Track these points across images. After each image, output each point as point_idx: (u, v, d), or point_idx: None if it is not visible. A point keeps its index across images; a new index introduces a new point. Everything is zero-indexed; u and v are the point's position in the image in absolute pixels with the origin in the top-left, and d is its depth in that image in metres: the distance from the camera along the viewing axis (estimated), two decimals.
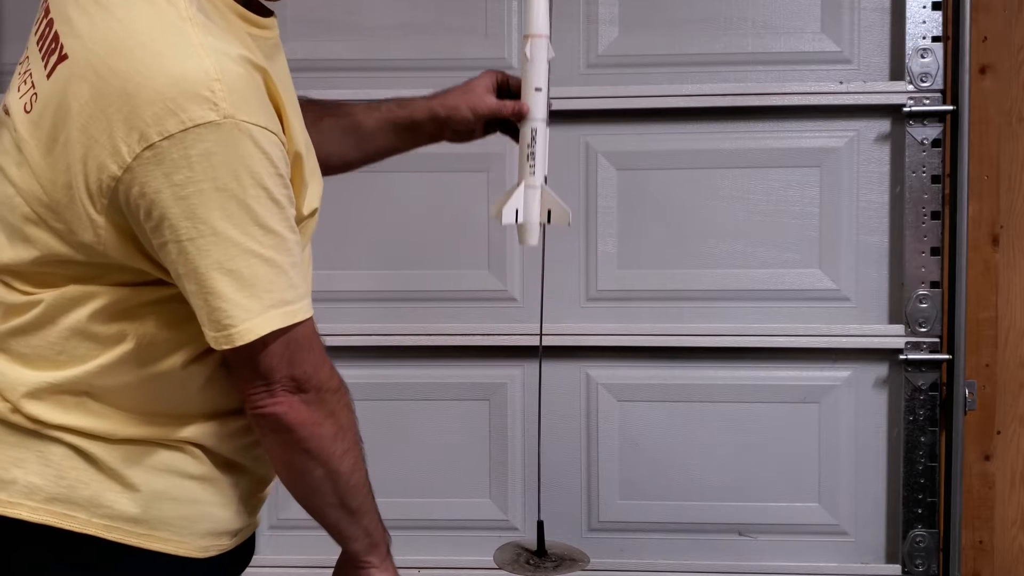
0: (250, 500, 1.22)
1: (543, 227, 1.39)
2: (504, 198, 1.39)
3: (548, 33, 1.36)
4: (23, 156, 1.07)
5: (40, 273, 1.09)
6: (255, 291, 1.02)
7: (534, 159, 1.37)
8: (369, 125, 1.46)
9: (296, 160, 1.11)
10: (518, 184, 1.38)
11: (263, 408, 1.09)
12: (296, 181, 1.11)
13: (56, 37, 1.07)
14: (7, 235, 1.10)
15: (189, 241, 1.00)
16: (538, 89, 1.36)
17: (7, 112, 1.13)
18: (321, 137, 1.44)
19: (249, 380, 1.08)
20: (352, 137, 1.46)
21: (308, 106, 1.47)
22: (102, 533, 1.10)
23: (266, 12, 1.17)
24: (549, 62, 1.37)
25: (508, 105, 1.39)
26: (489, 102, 1.41)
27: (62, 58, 1.05)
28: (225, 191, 0.99)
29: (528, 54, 1.36)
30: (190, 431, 1.14)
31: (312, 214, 1.17)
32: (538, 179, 1.37)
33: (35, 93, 1.08)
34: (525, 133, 1.37)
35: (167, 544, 1.13)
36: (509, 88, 1.42)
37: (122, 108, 0.99)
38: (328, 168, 1.48)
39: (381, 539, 1.23)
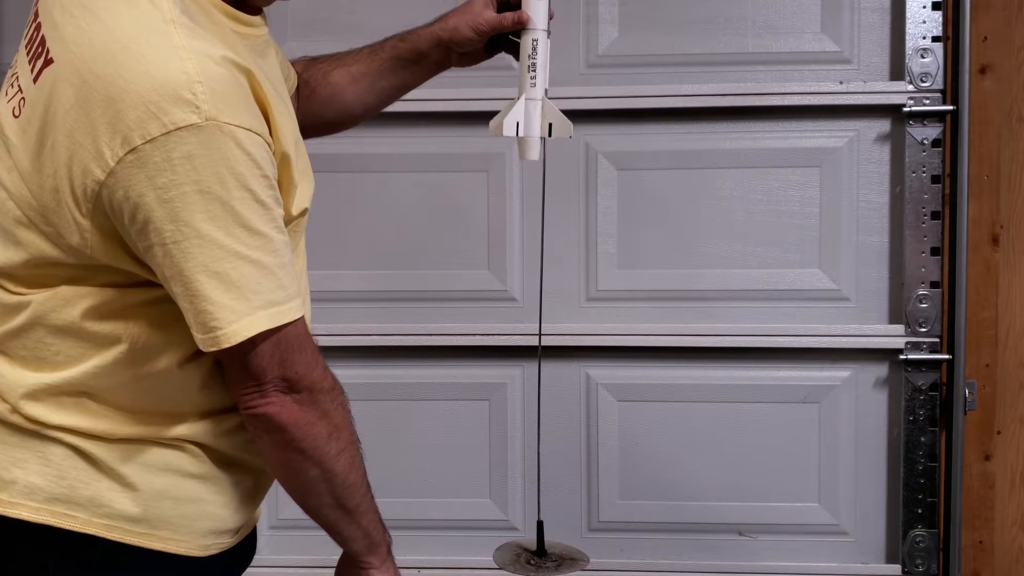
0: (251, 497, 1.22)
1: (543, 141, 1.36)
2: (504, 112, 1.36)
3: None
4: (12, 161, 1.08)
5: (32, 275, 1.09)
6: (242, 292, 1.02)
7: (535, 70, 1.34)
8: (376, 66, 1.47)
9: (284, 161, 1.11)
10: (519, 97, 1.35)
11: (255, 409, 1.09)
12: (284, 182, 1.11)
13: (43, 41, 1.07)
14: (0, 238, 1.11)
15: (174, 244, 1.00)
16: None
17: None
18: (335, 90, 1.46)
19: (240, 381, 1.08)
20: (364, 82, 1.47)
21: (314, 64, 1.48)
22: (103, 533, 1.11)
23: (256, 10, 1.17)
24: None
25: (508, 16, 1.37)
26: (488, 16, 1.39)
27: (48, 62, 1.05)
28: (208, 193, 0.99)
29: None
30: (189, 429, 1.14)
31: (302, 214, 1.17)
32: (539, 91, 1.34)
33: (23, 98, 1.08)
34: (526, 43, 1.34)
35: (168, 543, 1.13)
36: (508, 3, 1.40)
37: (105, 112, 0.99)
38: (352, 118, 1.50)
39: (381, 539, 1.23)
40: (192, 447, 1.15)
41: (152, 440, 1.12)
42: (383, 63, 1.47)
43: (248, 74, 1.05)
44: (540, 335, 1.51)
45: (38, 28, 1.09)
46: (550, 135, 1.35)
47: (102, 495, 1.10)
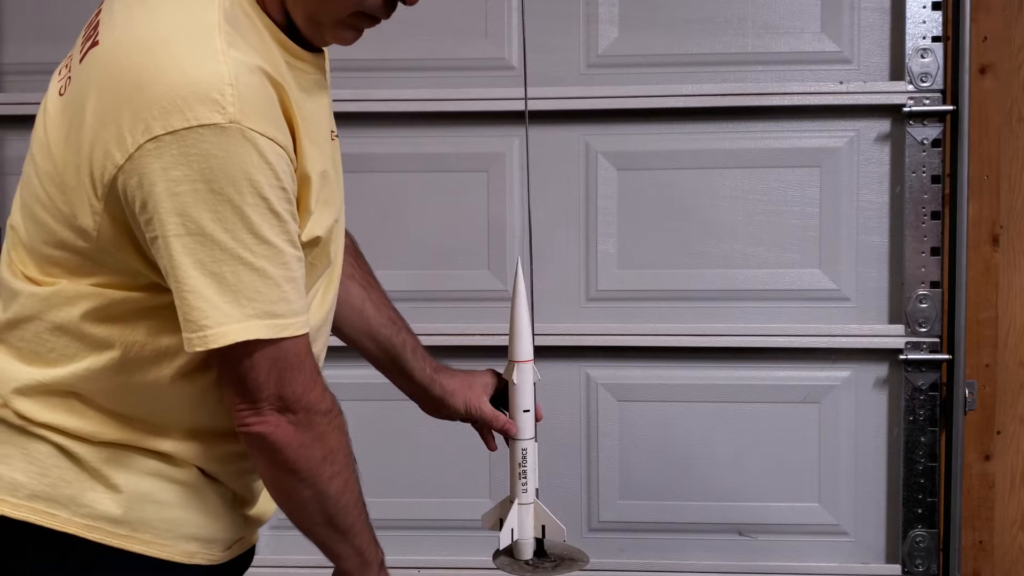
0: (237, 512, 1.21)
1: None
2: (496, 509, 1.45)
3: (532, 358, 1.42)
4: (47, 136, 1.09)
5: (43, 256, 1.09)
6: (237, 297, 1.01)
7: (526, 477, 1.42)
8: (379, 332, 1.46)
9: (303, 182, 1.09)
10: (511, 501, 1.43)
11: (249, 427, 1.07)
12: (299, 204, 1.09)
13: (97, 25, 1.09)
14: (24, 214, 1.12)
15: (175, 237, 0.99)
16: (526, 411, 1.42)
17: (47, 96, 1.14)
18: (342, 298, 1.42)
19: (237, 395, 1.06)
20: (361, 324, 1.46)
21: (357, 256, 1.47)
22: (82, 532, 1.10)
23: (312, 48, 1.15)
24: (535, 384, 1.42)
25: (500, 421, 1.45)
26: (485, 410, 1.45)
27: (94, 44, 1.06)
28: (220, 195, 0.99)
29: (515, 379, 1.41)
30: (175, 445, 1.13)
31: (312, 243, 1.13)
32: (530, 495, 1.43)
33: (70, 77, 1.09)
34: (516, 451, 1.42)
35: (149, 547, 1.12)
36: (502, 390, 1.46)
37: (133, 98, 0.99)
38: None
39: (374, 557, 1.21)
40: (178, 459, 1.13)
41: (138, 447, 1.12)
42: (386, 339, 1.46)
43: (281, 90, 1.05)
44: (533, 335, 1.52)
45: (98, 13, 1.11)
46: (543, 536, 1.43)
47: (84, 495, 1.10)
